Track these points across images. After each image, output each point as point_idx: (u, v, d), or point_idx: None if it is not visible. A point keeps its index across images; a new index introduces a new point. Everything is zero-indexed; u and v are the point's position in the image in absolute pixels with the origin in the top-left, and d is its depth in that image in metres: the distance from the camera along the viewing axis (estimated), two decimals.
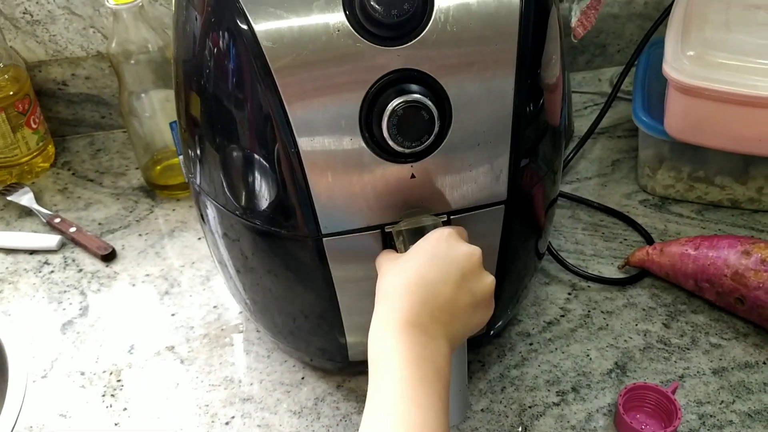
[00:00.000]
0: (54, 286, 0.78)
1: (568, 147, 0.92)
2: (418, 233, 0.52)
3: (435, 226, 0.53)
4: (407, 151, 0.50)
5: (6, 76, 0.88)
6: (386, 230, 0.53)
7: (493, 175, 0.53)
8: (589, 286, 0.75)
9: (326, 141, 0.50)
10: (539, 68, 0.54)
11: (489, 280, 0.50)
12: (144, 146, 0.87)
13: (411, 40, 0.49)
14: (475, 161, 0.53)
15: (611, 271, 0.76)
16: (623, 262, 0.76)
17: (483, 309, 0.50)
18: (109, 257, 0.81)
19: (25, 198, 0.88)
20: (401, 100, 0.48)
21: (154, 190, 0.90)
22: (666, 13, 0.86)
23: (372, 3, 0.47)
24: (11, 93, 0.87)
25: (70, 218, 0.87)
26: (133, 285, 0.78)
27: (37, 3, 0.90)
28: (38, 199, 0.90)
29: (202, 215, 0.61)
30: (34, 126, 0.91)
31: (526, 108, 0.53)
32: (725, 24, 0.74)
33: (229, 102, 0.51)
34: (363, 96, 0.49)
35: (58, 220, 0.85)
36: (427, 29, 0.49)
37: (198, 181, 0.58)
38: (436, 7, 0.49)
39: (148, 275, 0.79)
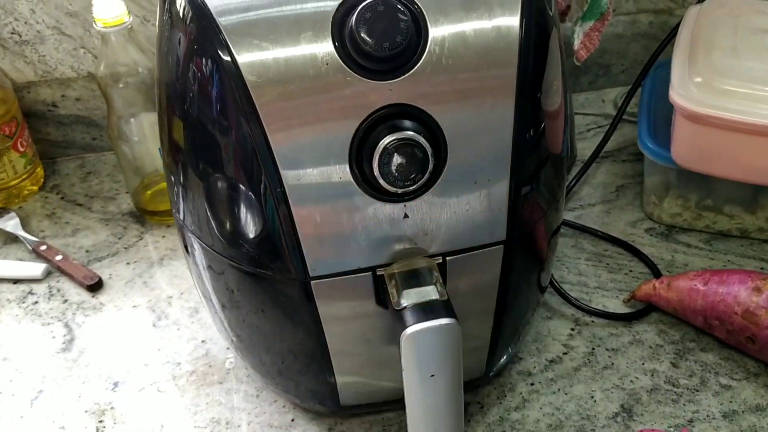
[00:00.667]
0: (37, 318, 0.76)
1: (571, 172, 0.89)
2: (412, 276, 0.49)
3: (430, 269, 0.50)
4: (400, 191, 0.47)
5: None
6: (378, 273, 0.50)
7: (491, 214, 0.51)
8: (593, 321, 0.72)
9: (314, 179, 0.47)
10: (540, 98, 0.51)
11: None
12: (134, 171, 0.85)
13: (404, 74, 0.46)
14: (472, 200, 0.50)
15: (616, 305, 0.73)
16: (629, 295, 0.73)
17: None
18: (95, 287, 0.78)
19: (11, 224, 0.86)
20: (393, 137, 0.46)
21: (144, 216, 0.87)
22: (672, 34, 0.83)
23: (362, 35, 0.44)
24: None
25: (57, 245, 0.84)
26: (120, 317, 0.75)
27: (25, 23, 0.88)
28: (25, 224, 0.87)
29: (186, 246, 0.59)
30: (21, 149, 0.89)
31: (527, 142, 0.50)
32: (733, 49, 0.71)
33: (212, 137, 0.49)
34: (353, 133, 0.46)
35: (44, 247, 0.83)
36: (420, 62, 0.46)
37: (181, 215, 0.56)
38: (430, 39, 0.46)
39: (135, 306, 0.76)
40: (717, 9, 0.79)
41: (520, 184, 0.51)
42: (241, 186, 0.48)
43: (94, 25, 0.74)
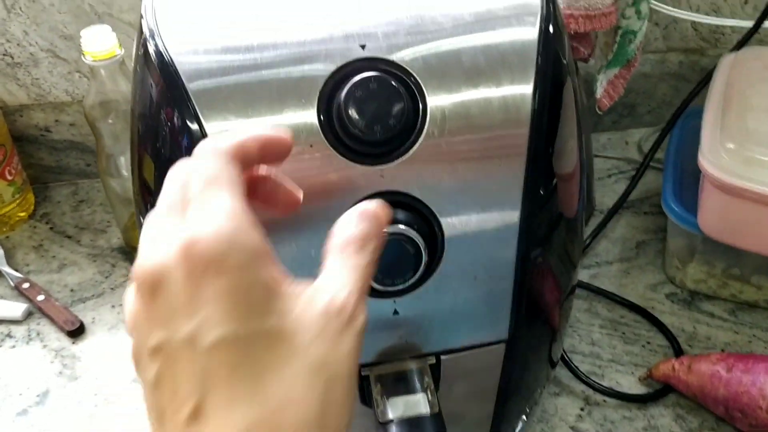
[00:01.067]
0: (15, 364, 0.71)
1: (588, 223, 0.83)
2: (401, 380, 0.44)
3: (421, 372, 0.45)
4: (389, 289, 0.42)
5: None
6: (362, 373, 0.45)
7: (492, 311, 0.45)
8: (605, 401, 0.66)
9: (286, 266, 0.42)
10: (553, 175, 0.46)
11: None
12: (123, 206, 0.80)
13: (397, 158, 0.41)
14: (471, 297, 0.44)
15: (630, 383, 0.67)
16: (645, 373, 0.67)
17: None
18: (76, 333, 0.74)
19: None
20: None
21: (133, 253, 0.83)
22: (704, 81, 0.77)
23: (351, 114, 0.39)
24: None
25: (41, 281, 0.80)
26: (99, 369, 0.71)
27: (18, 45, 0.84)
28: (11, 255, 0.83)
29: None
30: (9, 177, 0.84)
31: (535, 231, 0.45)
32: None
33: None
34: (335, 223, 0.41)
35: (26, 285, 0.78)
36: (416, 146, 0.41)
37: None
38: (428, 118, 0.41)
39: (115, 356, 0.72)
40: (753, 60, 0.73)
41: (527, 277, 0.45)
42: None
43: (82, 58, 0.69)
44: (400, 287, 0.42)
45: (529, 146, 0.42)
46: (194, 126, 0.40)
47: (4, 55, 0.84)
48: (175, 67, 0.41)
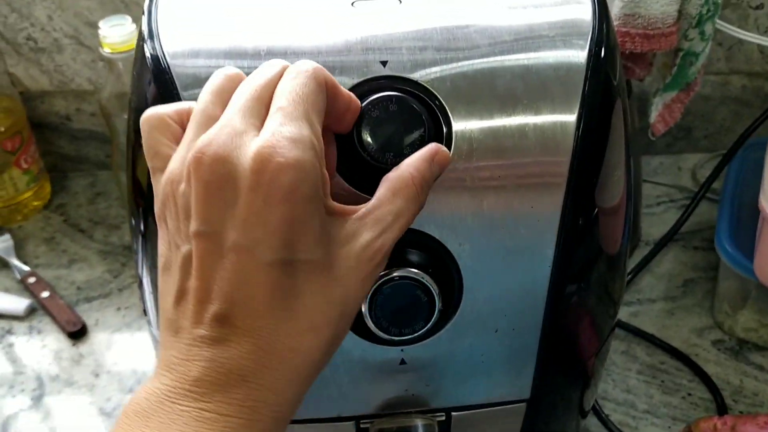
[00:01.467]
0: (12, 363, 0.68)
1: (632, 256, 0.77)
2: None
3: (429, 428, 0.40)
4: (395, 338, 0.37)
5: None
6: (362, 425, 0.40)
7: (513, 368, 0.40)
8: None
9: None
10: (594, 211, 0.40)
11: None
12: None
13: None
14: (489, 350, 0.39)
15: None
16: (684, 430, 0.60)
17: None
18: (77, 334, 0.71)
19: (3, 248, 0.79)
20: (390, 274, 0.35)
21: None
22: None
23: (364, 137, 0.34)
24: (1, 130, 0.78)
25: (48, 276, 0.76)
26: (97, 376, 0.67)
27: (42, 30, 0.80)
28: (21, 246, 0.80)
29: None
30: (24, 166, 0.81)
31: (570, 274, 0.39)
32: None
33: None
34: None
35: (32, 279, 0.75)
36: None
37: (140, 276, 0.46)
38: (453, 147, 0.35)
39: (115, 364, 0.68)
40: None
41: (556, 329, 0.40)
42: None
43: (100, 49, 0.65)
44: (409, 337, 0.37)
45: (569, 180, 0.37)
46: None
47: (27, 39, 0.81)
48: (170, 74, 0.36)
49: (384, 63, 0.36)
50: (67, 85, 0.84)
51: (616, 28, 0.57)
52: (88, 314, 0.73)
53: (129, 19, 0.65)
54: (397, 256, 0.36)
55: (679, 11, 0.58)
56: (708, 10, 0.58)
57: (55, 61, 0.83)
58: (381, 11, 0.37)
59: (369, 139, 0.34)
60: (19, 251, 0.79)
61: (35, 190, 0.84)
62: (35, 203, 0.85)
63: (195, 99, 0.35)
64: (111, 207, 0.86)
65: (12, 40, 0.81)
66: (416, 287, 0.35)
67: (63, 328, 0.71)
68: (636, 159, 0.81)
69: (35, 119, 0.85)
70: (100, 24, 0.64)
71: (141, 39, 0.40)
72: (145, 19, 0.41)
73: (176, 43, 0.38)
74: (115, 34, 0.64)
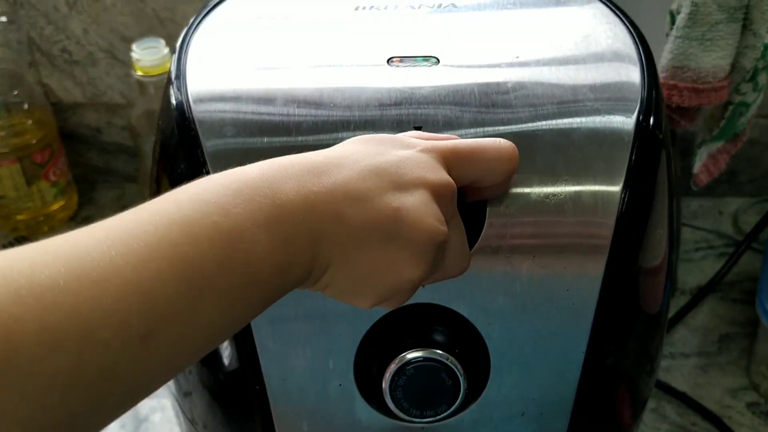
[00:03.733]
0: None
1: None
2: None
3: None
4: (416, 420, 0.35)
5: (29, 121, 0.78)
6: None
7: None
8: None
9: (304, 383, 0.35)
10: (636, 293, 0.38)
11: (439, 223, 0.28)
12: None
13: None
14: None
15: None
16: None
17: (412, 254, 0.28)
18: None
19: None
20: (415, 355, 0.33)
21: None
22: None
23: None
24: (32, 142, 0.77)
25: None
26: None
27: (77, 43, 0.80)
28: None
29: None
30: (53, 179, 0.81)
31: (603, 366, 0.37)
32: None
33: None
34: (362, 334, 0.34)
35: None
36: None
37: None
38: (486, 216, 0.34)
39: None
40: None
41: (585, 417, 0.38)
42: (209, 375, 0.37)
43: (131, 72, 0.64)
44: (431, 419, 0.35)
45: (609, 261, 0.35)
46: None
47: (62, 51, 0.80)
48: (194, 123, 0.35)
49: (418, 128, 0.34)
50: (99, 98, 0.84)
51: (662, 80, 0.54)
52: None
53: (162, 42, 0.64)
54: (421, 335, 0.34)
55: (732, 64, 0.55)
56: (764, 63, 0.55)
57: (88, 74, 0.82)
58: (418, 71, 0.35)
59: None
60: None
61: (63, 204, 0.83)
62: (62, 215, 0.84)
63: (216, 150, 0.34)
64: None
65: (47, 52, 0.81)
66: (441, 369, 0.33)
67: None
68: (676, 202, 0.78)
69: (66, 130, 0.85)
70: (134, 47, 0.63)
71: (169, 80, 0.39)
72: (174, 59, 0.39)
73: (203, 85, 0.36)
74: (148, 57, 0.63)
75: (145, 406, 0.66)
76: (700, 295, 0.72)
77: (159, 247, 0.23)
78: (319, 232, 0.26)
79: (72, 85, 0.83)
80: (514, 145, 0.31)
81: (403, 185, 0.27)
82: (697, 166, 0.65)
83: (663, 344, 0.46)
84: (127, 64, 0.81)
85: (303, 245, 0.25)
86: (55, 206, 0.83)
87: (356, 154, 0.28)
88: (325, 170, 0.27)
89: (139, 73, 0.64)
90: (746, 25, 0.53)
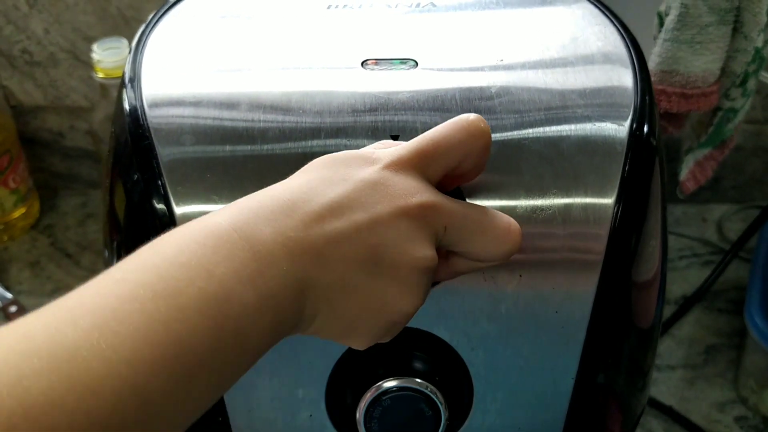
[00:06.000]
0: None
1: None
2: None
3: None
4: None
5: None
6: None
7: None
8: None
9: (272, 414, 0.33)
10: (626, 329, 0.35)
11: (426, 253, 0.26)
12: None
13: None
14: None
15: None
16: None
17: (402, 286, 0.26)
18: None
19: None
20: (391, 384, 0.31)
21: None
22: None
23: None
24: None
25: (31, 305, 0.72)
26: None
27: (38, 43, 0.76)
28: (4, 270, 0.76)
29: None
30: (13, 186, 0.77)
31: (593, 393, 0.34)
32: None
33: None
34: (335, 360, 0.32)
35: (14, 308, 0.71)
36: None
37: None
38: None
39: None
40: None
41: None
42: None
43: (92, 74, 0.61)
44: None
45: (601, 281, 0.32)
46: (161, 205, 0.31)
47: (22, 52, 0.77)
48: (149, 129, 0.32)
49: (395, 137, 0.31)
50: (62, 100, 0.80)
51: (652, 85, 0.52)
52: None
53: (125, 42, 0.61)
54: (399, 362, 0.31)
55: (722, 68, 0.53)
56: (755, 67, 0.54)
57: (50, 76, 0.78)
58: (395, 74, 0.33)
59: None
60: (3, 275, 0.75)
61: (24, 211, 0.79)
62: (23, 223, 0.80)
63: (174, 159, 0.31)
64: (100, 231, 0.81)
65: (7, 53, 0.77)
66: (420, 399, 0.30)
67: None
68: (663, 207, 0.77)
69: (27, 135, 0.81)
70: (94, 47, 0.60)
71: (122, 83, 0.36)
72: (129, 60, 0.36)
73: (160, 88, 0.33)
74: (109, 58, 0.60)
75: None
76: (686, 305, 0.70)
77: (149, 330, 0.21)
78: (304, 282, 0.25)
79: (33, 87, 0.79)
80: (479, 116, 0.28)
81: (377, 218, 0.26)
82: (684, 174, 0.62)
83: (655, 358, 0.44)
84: (91, 65, 0.78)
85: (289, 298, 0.24)
86: (16, 214, 0.79)
87: (321, 184, 0.26)
88: (295, 207, 0.25)
89: (100, 74, 0.61)
90: (737, 28, 0.51)
